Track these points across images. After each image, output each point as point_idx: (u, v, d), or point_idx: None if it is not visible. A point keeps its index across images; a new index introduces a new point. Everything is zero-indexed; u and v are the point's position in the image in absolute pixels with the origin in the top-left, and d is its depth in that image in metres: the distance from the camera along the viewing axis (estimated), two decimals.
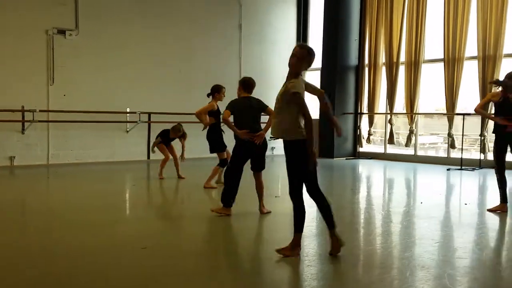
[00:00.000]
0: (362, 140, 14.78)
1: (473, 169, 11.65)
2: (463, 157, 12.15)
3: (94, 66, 12.09)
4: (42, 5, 11.43)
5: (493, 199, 7.16)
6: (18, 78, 11.14)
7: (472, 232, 5.65)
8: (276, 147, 11.92)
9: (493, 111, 6.70)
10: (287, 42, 15.11)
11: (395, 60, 13.78)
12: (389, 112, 14.02)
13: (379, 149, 14.90)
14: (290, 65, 4.43)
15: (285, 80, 4.48)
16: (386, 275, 3.96)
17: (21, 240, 4.99)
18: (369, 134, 14.57)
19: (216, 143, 8.10)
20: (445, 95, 12.76)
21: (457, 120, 12.58)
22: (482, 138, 12.12)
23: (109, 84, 12.29)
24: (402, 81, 13.68)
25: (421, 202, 7.29)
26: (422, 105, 13.72)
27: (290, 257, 4.34)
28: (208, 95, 8.14)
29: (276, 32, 15.44)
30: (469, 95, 13.06)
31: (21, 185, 9.12)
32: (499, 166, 6.53)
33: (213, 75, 13.13)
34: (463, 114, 12.19)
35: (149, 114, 12.85)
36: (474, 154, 13.89)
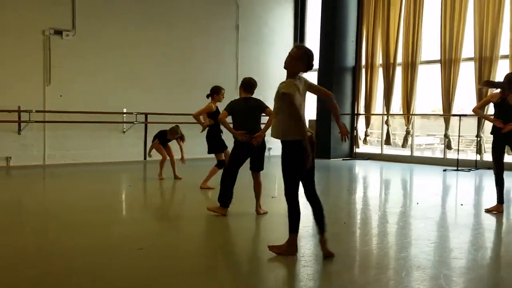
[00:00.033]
0: (359, 141, 14.80)
1: (469, 170, 11.68)
2: (459, 158, 12.19)
3: (91, 67, 12.06)
4: (39, 5, 11.41)
5: (489, 199, 7.19)
6: (15, 78, 11.11)
7: (468, 232, 5.67)
8: (273, 148, 11.91)
9: (491, 112, 6.73)
10: (284, 43, 15.14)
11: (392, 61, 13.81)
12: (385, 113, 14.05)
13: (376, 150, 14.92)
14: (285, 64, 4.43)
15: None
16: (382, 276, 3.97)
17: (18, 241, 4.97)
18: (366, 135, 14.60)
19: (214, 144, 8.09)
20: (442, 96, 12.79)
21: (454, 121, 12.61)
22: (478, 139, 12.16)
23: (106, 85, 12.27)
24: (399, 82, 13.71)
25: (417, 203, 7.30)
26: (418, 106, 13.76)
27: (281, 255, 4.38)
28: (208, 96, 8.15)
29: (273, 33, 15.45)
30: (466, 96, 13.11)
31: (17, 185, 9.10)
32: (497, 166, 6.56)
33: (210, 76, 13.15)
34: (460, 115, 12.22)
35: (146, 114, 12.85)
36: (470, 155, 13.94)
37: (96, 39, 12.13)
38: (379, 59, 14.24)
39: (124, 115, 12.65)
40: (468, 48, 12.40)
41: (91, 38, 12.04)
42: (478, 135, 12.15)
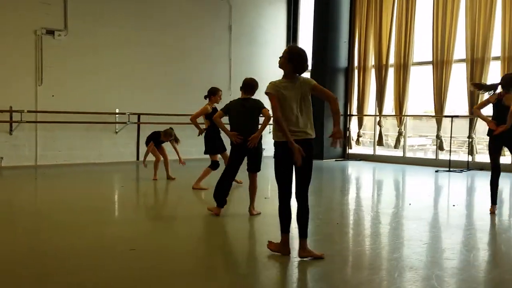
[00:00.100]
0: (352, 141, 14.84)
1: (461, 170, 11.74)
2: (451, 159, 12.24)
3: (83, 67, 12.01)
4: (31, 5, 11.35)
5: (481, 200, 7.22)
6: (6, 78, 11.05)
7: (460, 233, 5.69)
8: (266, 149, 11.91)
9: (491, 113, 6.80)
10: (277, 44, 15.15)
11: (384, 62, 13.86)
12: (378, 114, 14.09)
13: (369, 150, 14.96)
14: (279, 64, 4.45)
15: None
16: (375, 276, 3.98)
17: (10, 241, 4.94)
18: (359, 135, 14.64)
19: (210, 145, 8.08)
20: (434, 97, 12.84)
21: (446, 122, 12.66)
22: (470, 140, 12.22)
23: (98, 85, 12.22)
24: (391, 83, 13.76)
25: (410, 204, 7.33)
26: (411, 107, 13.81)
27: (277, 253, 4.41)
28: (205, 97, 8.15)
29: (266, 33, 15.46)
30: (458, 98, 13.18)
31: (9, 186, 9.04)
32: (493, 167, 6.61)
33: (203, 76, 13.14)
34: (452, 116, 12.28)
35: (139, 115, 12.81)
36: (462, 156, 14.01)
37: (88, 39, 12.08)
38: (371, 60, 14.29)
39: (117, 115, 12.60)
40: (460, 49, 12.47)
41: (83, 38, 11.99)
42: (470, 136, 12.22)
